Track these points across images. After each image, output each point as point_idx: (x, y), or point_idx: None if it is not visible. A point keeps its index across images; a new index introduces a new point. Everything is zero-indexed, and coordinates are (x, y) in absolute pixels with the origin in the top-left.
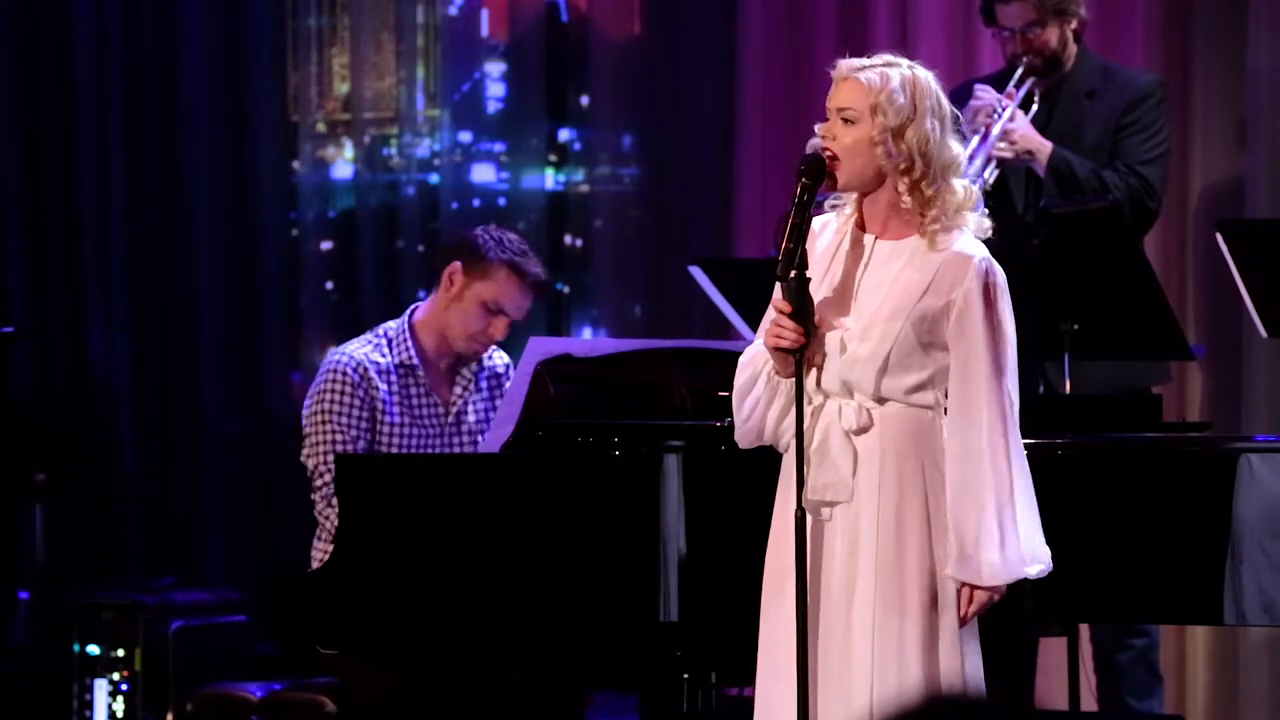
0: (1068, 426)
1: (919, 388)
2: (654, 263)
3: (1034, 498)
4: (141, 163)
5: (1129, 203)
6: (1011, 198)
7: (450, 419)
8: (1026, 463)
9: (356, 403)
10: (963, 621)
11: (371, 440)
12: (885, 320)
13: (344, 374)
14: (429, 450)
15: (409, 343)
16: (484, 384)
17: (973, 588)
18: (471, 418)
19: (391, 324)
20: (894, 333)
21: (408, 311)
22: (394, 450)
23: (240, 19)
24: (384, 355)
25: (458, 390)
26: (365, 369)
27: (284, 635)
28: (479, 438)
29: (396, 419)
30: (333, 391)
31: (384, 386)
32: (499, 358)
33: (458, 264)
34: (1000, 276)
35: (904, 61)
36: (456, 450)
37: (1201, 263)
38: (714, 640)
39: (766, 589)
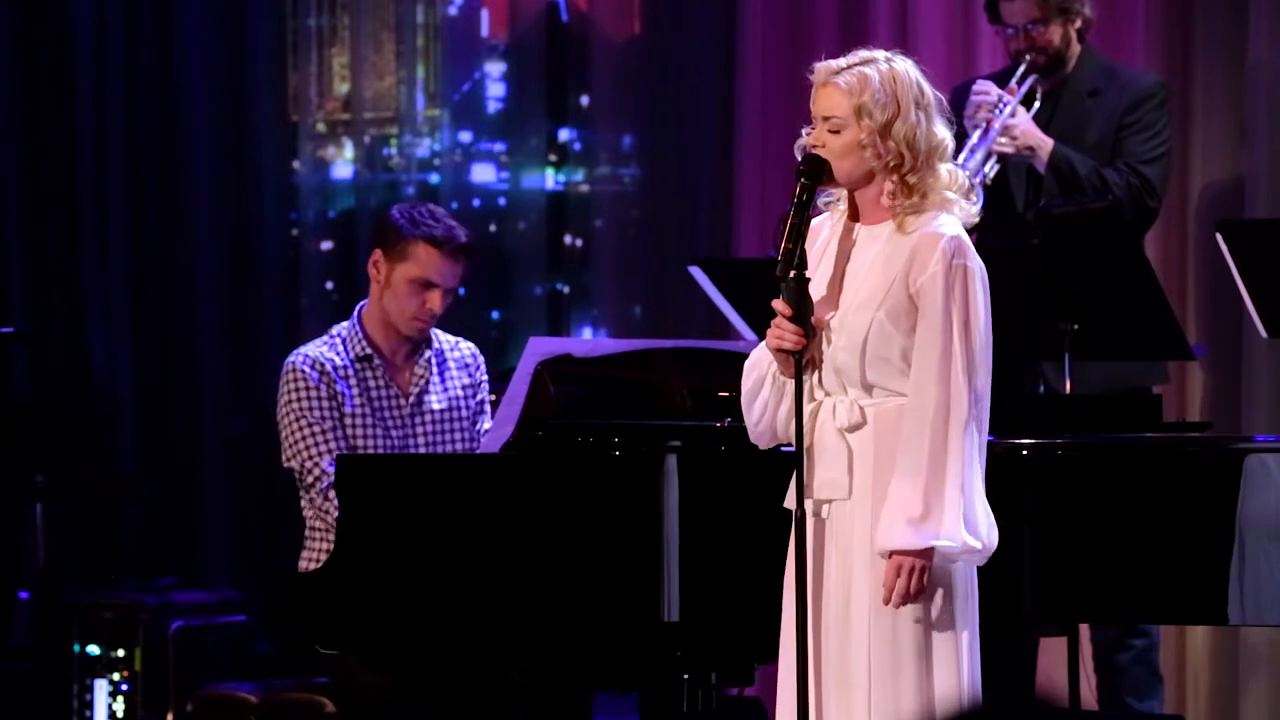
0: (1068, 426)
1: (905, 375)
2: (654, 263)
3: (976, 486)
4: (141, 163)
5: (1129, 202)
6: (1012, 195)
7: (409, 408)
8: (975, 452)
9: (323, 394)
10: (886, 601)
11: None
12: (856, 310)
13: (302, 372)
14: (392, 440)
15: (361, 337)
16: (447, 370)
17: (887, 555)
18: (436, 405)
19: (343, 324)
20: (865, 322)
21: (356, 309)
22: (358, 442)
23: (240, 19)
24: (339, 354)
25: (416, 378)
26: (321, 364)
27: (284, 635)
28: (445, 425)
29: (357, 410)
30: (296, 390)
31: (341, 380)
32: (465, 347)
33: (378, 251)
34: (971, 260)
35: (880, 55)
36: (420, 439)
37: (1201, 263)
38: (714, 640)
39: (785, 588)
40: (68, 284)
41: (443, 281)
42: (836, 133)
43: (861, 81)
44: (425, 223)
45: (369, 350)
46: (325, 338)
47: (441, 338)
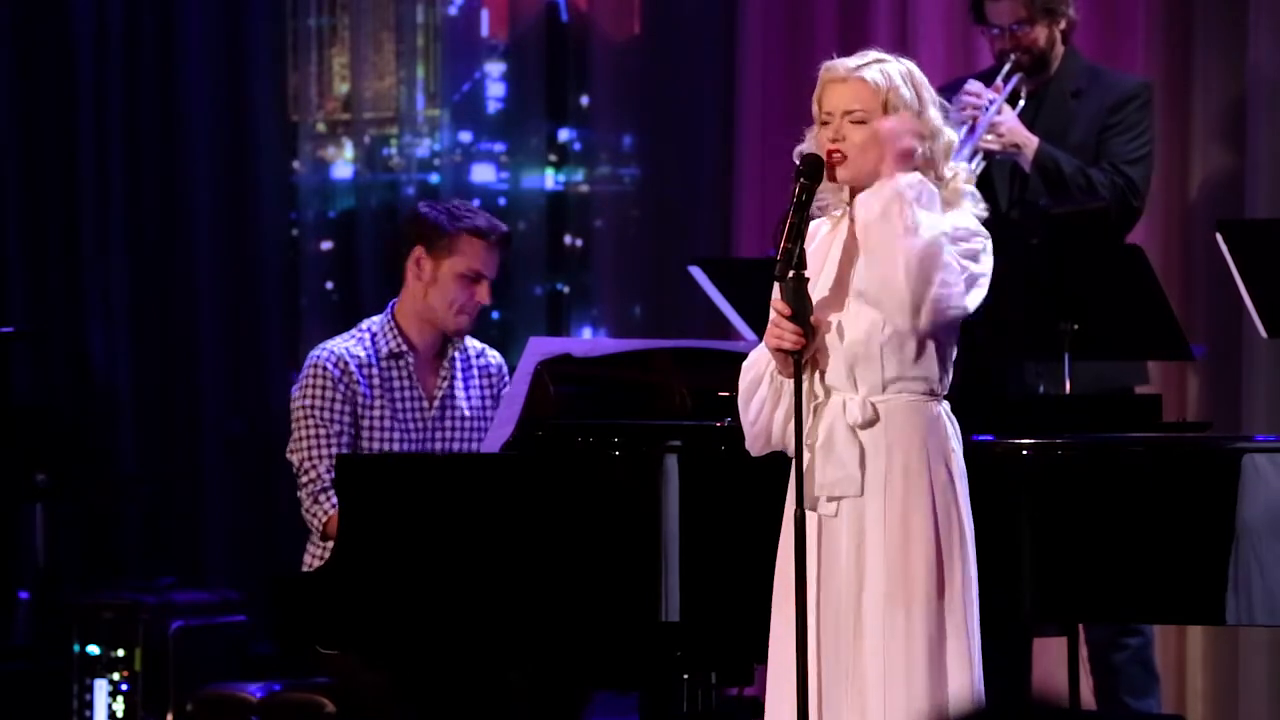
0: (1068, 426)
1: (917, 362)
2: (654, 263)
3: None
4: (141, 163)
5: (1115, 202)
6: (995, 194)
7: (433, 411)
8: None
9: (339, 396)
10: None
11: (355, 435)
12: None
13: (324, 369)
14: (410, 443)
15: (396, 333)
16: (473, 377)
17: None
18: (465, 410)
19: (375, 319)
20: (880, 318)
21: (390, 305)
22: (375, 444)
23: (240, 19)
24: (366, 349)
25: (441, 382)
26: (345, 363)
27: (284, 635)
28: (470, 432)
29: (376, 412)
30: (314, 386)
31: (363, 380)
32: (492, 356)
33: (419, 249)
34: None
35: (889, 56)
36: (440, 443)
37: (1201, 263)
38: (714, 640)
39: (777, 587)
40: (68, 284)
41: (489, 272)
42: (861, 123)
43: (886, 77)
44: (465, 215)
45: (403, 346)
46: (354, 331)
47: (469, 342)
